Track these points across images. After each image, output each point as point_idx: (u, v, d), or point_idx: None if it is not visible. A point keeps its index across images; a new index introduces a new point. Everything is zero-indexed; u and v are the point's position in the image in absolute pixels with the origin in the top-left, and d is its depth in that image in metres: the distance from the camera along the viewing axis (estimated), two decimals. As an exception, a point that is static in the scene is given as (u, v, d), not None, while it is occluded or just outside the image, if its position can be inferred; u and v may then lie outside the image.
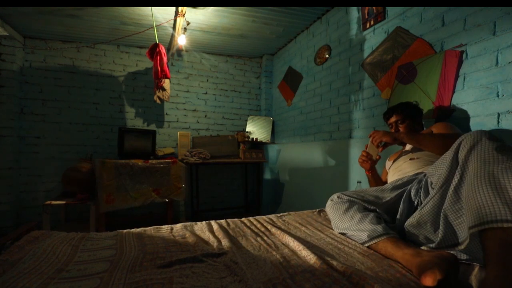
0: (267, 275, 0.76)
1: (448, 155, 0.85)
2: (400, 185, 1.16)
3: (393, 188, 1.16)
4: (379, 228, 0.95)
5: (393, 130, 1.49)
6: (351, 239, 1.06)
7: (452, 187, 0.80)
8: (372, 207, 1.10)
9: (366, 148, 1.44)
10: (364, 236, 0.98)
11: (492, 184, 0.67)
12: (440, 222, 0.84)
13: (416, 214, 0.92)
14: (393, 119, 1.48)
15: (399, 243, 0.88)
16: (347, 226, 1.08)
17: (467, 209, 0.71)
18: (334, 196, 1.22)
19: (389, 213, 1.11)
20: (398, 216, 1.05)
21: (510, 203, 0.62)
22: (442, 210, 0.83)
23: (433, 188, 0.89)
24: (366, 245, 0.97)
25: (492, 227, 0.62)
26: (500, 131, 1.26)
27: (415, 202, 1.03)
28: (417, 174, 1.16)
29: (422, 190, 1.01)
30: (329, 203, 1.24)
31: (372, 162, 1.47)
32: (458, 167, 0.79)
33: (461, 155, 0.79)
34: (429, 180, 0.99)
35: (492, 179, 0.68)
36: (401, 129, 1.45)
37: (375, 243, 0.94)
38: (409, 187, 1.10)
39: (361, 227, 1.01)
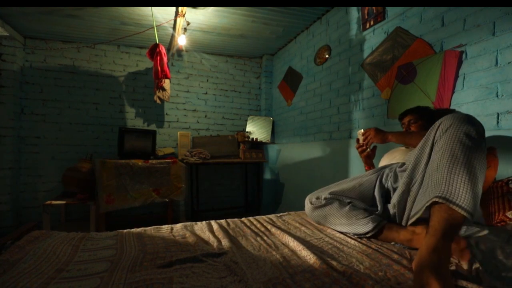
0: (267, 275, 0.76)
1: (424, 139, 0.93)
2: (375, 170, 1.24)
3: (367, 174, 1.24)
4: (373, 219, 1.04)
5: (404, 129, 1.50)
6: (350, 233, 1.10)
7: (422, 166, 0.90)
8: (348, 200, 1.16)
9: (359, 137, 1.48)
10: (366, 228, 1.04)
11: (454, 166, 0.75)
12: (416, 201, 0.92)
13: (395, 198, 1.01)
14: (406, 119, 1.48)
15: (392, 227, 1.00)
16: (343, 222, 1.12)
17: (428, 182, 0.81)
18: (313, 199, 1.24)
19: (365, 201, 1.17)
20: (378, 205, 1.13)
21: (462, 187, 0.72)
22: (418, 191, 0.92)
23: (406, 170, 0.98)
24: (369, 235, 1.03)
25: (440, 202, 0.72)
26: (499, 131, 1.26)
27: (386, 185, 1.14)
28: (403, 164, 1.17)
29: (392, 174, 1.11)
30: (309, 206, 1.25)
31: (370, 154, 1.50)
32: (431, 149, 0.89)
33: (437, 137, 0.87)
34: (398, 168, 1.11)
35: (452, 161, 0.76)
36: (412, 129, 1.45)
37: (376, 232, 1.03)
38: (381, 172, 1.19)
39: (357, 221, 1.07)
